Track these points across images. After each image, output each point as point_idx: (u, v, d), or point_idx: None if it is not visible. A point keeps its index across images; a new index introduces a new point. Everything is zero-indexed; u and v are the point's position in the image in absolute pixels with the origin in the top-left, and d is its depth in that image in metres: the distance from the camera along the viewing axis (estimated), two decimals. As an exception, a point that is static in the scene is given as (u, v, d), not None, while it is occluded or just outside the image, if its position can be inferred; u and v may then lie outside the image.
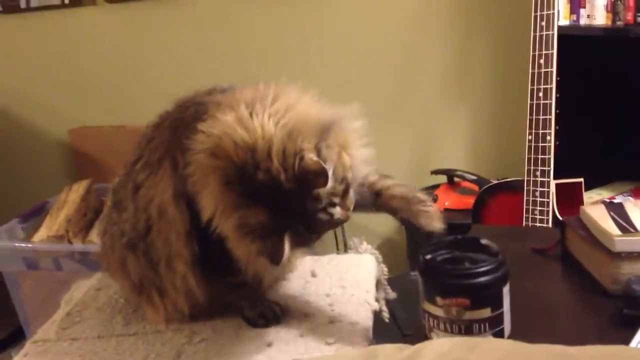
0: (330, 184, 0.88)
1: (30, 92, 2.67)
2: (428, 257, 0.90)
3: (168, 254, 1.02)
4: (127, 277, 1.10)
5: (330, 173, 0.87)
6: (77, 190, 2.32)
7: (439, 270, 0.88)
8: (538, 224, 1.68)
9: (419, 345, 0.72)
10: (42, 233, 2.19)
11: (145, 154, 1.05)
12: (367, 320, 1.08)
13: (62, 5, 2.50)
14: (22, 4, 2.52)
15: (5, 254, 2.19)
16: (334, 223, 0.95)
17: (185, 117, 1.01)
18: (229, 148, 0.90)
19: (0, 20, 2.60)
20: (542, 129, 1.67)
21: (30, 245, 2.18)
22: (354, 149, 1.00)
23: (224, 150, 0.90)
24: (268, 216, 0.88)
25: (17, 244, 2.20)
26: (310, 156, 0.88)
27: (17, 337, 2.28)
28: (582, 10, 1.81)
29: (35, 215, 2.31)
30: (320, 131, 0.92)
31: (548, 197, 1.67)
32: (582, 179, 1.68)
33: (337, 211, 0.93)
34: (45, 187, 2.54)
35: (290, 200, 0.89)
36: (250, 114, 0.93)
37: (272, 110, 0.94)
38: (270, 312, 1.07)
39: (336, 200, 0.92)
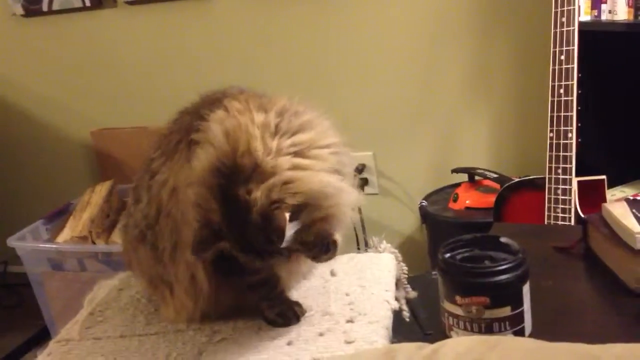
0: (286, 243, 0.87)
1: (52, 95, 2.70)
2: (447, 255, 0.90)
3: (174, 242, 1.02)
4: (142, 273, 1.11)
5: (287, 235, 0.85)
6: (100, 192, 2.35)
7: (459, 269, 0.87)
8: (560, 222, 1.67)
9: (438, 344, 0.72)
10: (65, 234, 2.22)
11: (162, 146, 1.05)
12: (386, 319, 1.07)
13: (84, 8, 2.53)
14: (44, 7, 2.55)
15: (30, 255, 2.23)
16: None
17: (205, 103, 1.02)
18: (238, 146, 0.89)
19: (22, 23, 2.64)
20: (563, 126, 1.65)
21: (54, 246, 2.21)
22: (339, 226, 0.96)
23: (233, 141, 0.89)
24: (221, 218, 0.88)
25: (41, 245, 2.23)
26: (285, 215, 0.86)
27: (42, 337, 2.31)
28: (603, 6, 1.79)
29: (59, 216, 2.35)
30: (315, 198, 0.89)
31: (570, 195, 1.65)
32: (604, 177, 1.66)
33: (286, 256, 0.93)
34: (68, 188, 2.58)
35: (245, 225, 0.88)
36: (276, 128, 0.92)
37: (296, 140, 0.92)
38: (289, 311, 1.07)
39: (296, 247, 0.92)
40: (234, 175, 0.88)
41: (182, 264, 1.03)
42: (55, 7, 2.55)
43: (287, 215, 0.86)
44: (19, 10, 2.59)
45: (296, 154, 0.90)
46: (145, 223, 1.05)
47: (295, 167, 0.89)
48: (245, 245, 0.90)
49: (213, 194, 0.89)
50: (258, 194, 0.86)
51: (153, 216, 1.03)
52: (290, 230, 0.86)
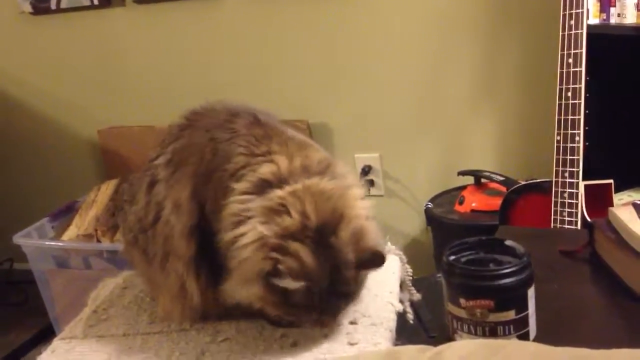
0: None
1: (60, 93, 2.71)
2: (452, 258, 0.90)
3: (166, 251, 1.02)
4: (140, 272, 1.12)
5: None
6: (106, 190, 2.35)
7: (463, 272, 0.87)
8: (566, 226, 1.66)
9: (441, 347, 0.72)
10: (71, 232, 2.23)
11: (167, 152, 1.05)
12: (390, 321, 1.07)
13: (92, 6, 2.53)
14: (53, 5, 2.56)
15: (36, 253, 2.23)
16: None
17: (222, 133, 1.02)
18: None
19: (30, 21, 2.64)
20: (570, 130, 1.65)
21: (60, 244, 2.21)
22: None
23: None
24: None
25: (47, 243, 2.24)
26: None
27: (47, 334, 2.31)
28: (612, 9, 1.78)
29: (64, 214, 2.35)
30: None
31: (577, 199, 1.65)
32: (611, 181, 1.65)
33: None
34: (74, 186, 2.58)
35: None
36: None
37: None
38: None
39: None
40: (325, 229, 0.93)
41: (172, 273, 1.03)
42: (63, 5, 2.55)
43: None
44: (28, 8, 2.60)
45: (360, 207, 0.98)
46: (139, 227, 1.06)
47: (366, 217, 0.98)
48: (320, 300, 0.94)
49: (303, 244, 0.92)
50: (346, 236, 0.93)
51: (150, 221, 1.03)
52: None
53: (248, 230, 0.92)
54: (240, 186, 0.96)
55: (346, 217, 0.94)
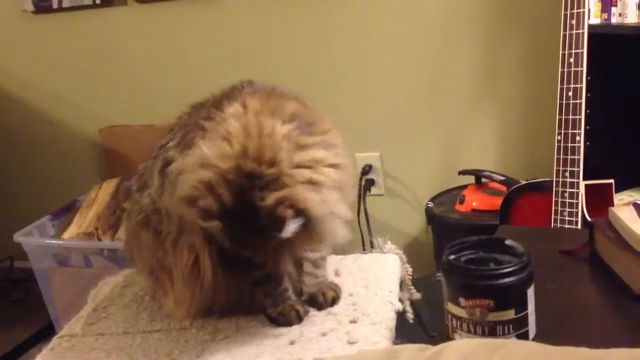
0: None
1: (61, 92, 2.71)
2: (452, 257, 0.90)
3: (181, 226, 1.03)
4: (143, 264, 1.12)
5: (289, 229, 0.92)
6: (107, 189, 2.35)
7: (463, 271, 0.87)
8: (567, 225, 1.66)
9: (441, 346, 0.72)
10: (72, 230, 2.23)
11: (177, 136, 1.07)
12: (390, 320, 1.07)
13: (94, 5, 2.53)
14: (54, 4, 2.56)
15: (36, 251, 2.23)
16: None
17: (221, 98, 1.06)
18: (264, 153, 0.93)
19: (32, 20, 2.65)
20: (571, 129, 1.65)
21: (60, 242, 2.21)
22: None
23: (258, 146, 0.94)
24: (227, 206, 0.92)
25: (47, 241, 2.24)
26: (288, 227, 0.91)
27: (47, 332, 2.31)
28: (613, 9, 1.78)
29: (65, 212, 2.35)
30: (314, 219, 0.95)
31: (577, 198, 1.64)
32: (612, 181, 1.65)
33: None
34: (75, 185, 2.58)
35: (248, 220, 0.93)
36: (298, 141, 0.96)
37: (315, 156, 0.97)
38: (292, 311, 1.07)
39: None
40: (255, 180, 0.92)
41: (185, 249, 1.03)
42: (65, 4, 2.55)
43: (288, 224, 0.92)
44: (29, 7, 2.60)
45: (311, 169, 0.95)
46: (152, 208, 1.07)
47: (308, 182, 0.94)
48: (237, 236, 0.95)
49: (230, 188, 0.92)
50: (270, 202, 0.91)
51: (167, 199, 1.04)
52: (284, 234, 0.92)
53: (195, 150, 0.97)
54: (208, 125, 1.00)
55: (282, 177, 0.93)
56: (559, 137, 1.67)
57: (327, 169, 0.97)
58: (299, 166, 0.95)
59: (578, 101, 1.63)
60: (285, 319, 1.06)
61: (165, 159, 1.06)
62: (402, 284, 1.23)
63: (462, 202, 2.07)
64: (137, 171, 1.16)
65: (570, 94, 1.64)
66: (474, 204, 2.04)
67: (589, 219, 1.61)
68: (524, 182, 1.85)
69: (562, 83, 1.66)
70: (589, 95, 1.65)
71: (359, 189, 2.33)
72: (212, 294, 1.07)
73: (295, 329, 1.05)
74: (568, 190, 1.66)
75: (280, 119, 0.97)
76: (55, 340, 1.13)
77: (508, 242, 0.91)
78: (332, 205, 0.96)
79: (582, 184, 1.65)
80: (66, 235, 2.22)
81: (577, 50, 1.63)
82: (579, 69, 1.63)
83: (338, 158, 1.00)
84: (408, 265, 1.28)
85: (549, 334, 0.85)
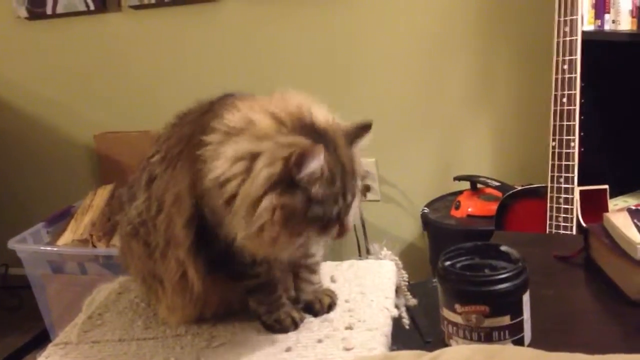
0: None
1: (56, 98, 2.71)
2: (447, 263, 0.90)
3: (167, 239, 1.02)
4: (137, 271, 1.12)
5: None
6: (102, 195, 2.35)
7: (459, 277, 0.87)
8: (562, 231, 1.66)
9: (437, 352, 0.72)
10: (66, 237, 2.22)
11: (162, 149, 1.06)
12: (386, 327, 1.07)
13: (88, 12, 2.54)
14: (49, 10, 2.56)
15: (31, 258, 2.23)
16: None
17: (204, 112, 1.03)
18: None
19: (26, 26, 2.65)
20: (566, 135, 1.65)
21: (55, 249, 2.21)
22: None
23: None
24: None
25: (42, 248, 2.23)
26: None
27: (42, 339, 2.31)
28: (606, 16, 1.79)
29: (60, 219, 2.35)
30: None
31: (572, 204, 1.65)
32: (607, 186, 1.65)
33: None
34: (70, 191, 2.58)
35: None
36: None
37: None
38: (287, 318, 1.07)
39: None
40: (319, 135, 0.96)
41: (172, 261, 1.03)
42: (59, 10, 2.55)
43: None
44: (23, 13, 2.60)
45: None
46: (139, 220, 1.06)
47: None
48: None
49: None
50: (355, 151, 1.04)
51: (152, 215, 1.04)
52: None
53: (222, 156, 0.91)
54: (210, 138, 0.95)
55: (310, 107, 0.98)
56: (554, 143, 1.67)
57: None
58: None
59: (572, 107, 1.64)
60: (281, 326, 1.06)
61: (150, 172, 1.06)
62: (398, 290, 1.23)
63: (457, 207, 2.07)
64: (127, 182, 1.15)
65: (564, 100, 1.65)
66: (469, 209, 2.05)
67: (583, 224, 1.61)
68: (519, 188, 1.86)
69: (556, 89, 1.66)
70: (583, 101, 1.66)
71: (355, 195, 2.33)
72: (203, 302, 1.07)
73: (291, 336, 1.05)
74: (563, 196, 1.66)
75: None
76: (50, 347, 1.12)
77: (503, 248, 0.91)
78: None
79: (577, 189, 1.65)
80: (61, 242, 2.22)
81: (571, 57, 1.64)
82: (573, 75, 1.64)
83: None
84: (404, 271, 1.27)
85: (544, 340, 0.85)
